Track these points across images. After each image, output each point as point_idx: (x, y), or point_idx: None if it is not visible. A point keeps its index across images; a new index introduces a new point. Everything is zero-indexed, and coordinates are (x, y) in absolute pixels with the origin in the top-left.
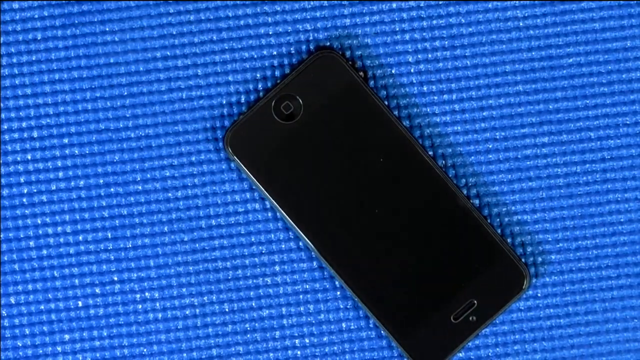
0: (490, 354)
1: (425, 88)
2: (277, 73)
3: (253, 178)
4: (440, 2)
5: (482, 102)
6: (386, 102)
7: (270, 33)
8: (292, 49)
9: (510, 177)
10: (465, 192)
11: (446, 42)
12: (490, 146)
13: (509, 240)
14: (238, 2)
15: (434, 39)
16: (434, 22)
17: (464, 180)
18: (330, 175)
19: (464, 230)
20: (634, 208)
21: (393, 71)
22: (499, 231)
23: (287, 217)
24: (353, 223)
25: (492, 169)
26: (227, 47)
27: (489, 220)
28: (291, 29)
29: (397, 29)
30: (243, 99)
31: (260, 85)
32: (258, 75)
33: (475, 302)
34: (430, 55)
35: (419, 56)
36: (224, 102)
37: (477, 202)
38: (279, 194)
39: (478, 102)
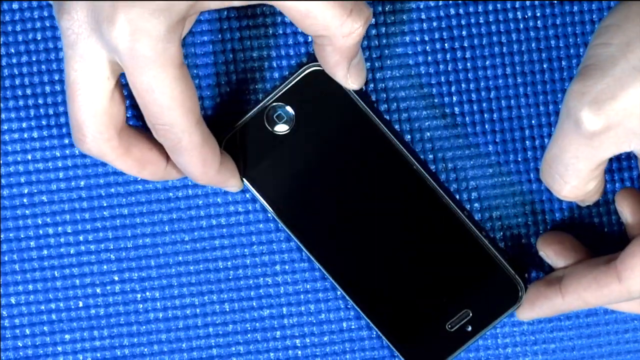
0: (490, 355)
1: (425, 90)
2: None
3: (248, 186)
4: (440, 4)
5: (482, 105)
6: (385, 105)
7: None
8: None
9: (511, 179)
10: (464, 195)
11: (446, 44)
12: (495, 148)
13: (509, 243)
14: (239, 6)
15: (433, 41)
16: (434, 24)
17: (473, 182)
18: (323, 185)
19: (459, 241)
20: None
21: (393, 74)
22: (499, 234)
23: (285, 227)
24: (347, 232)
25: (499, 171)
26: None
27: (488, 225)
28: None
29: (397, 31)
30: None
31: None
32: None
33: (470, 312)
34: (430, 58)
35: (419, 58)
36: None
37: (477, 205)
38: (273, 204)
39: (478, 105)
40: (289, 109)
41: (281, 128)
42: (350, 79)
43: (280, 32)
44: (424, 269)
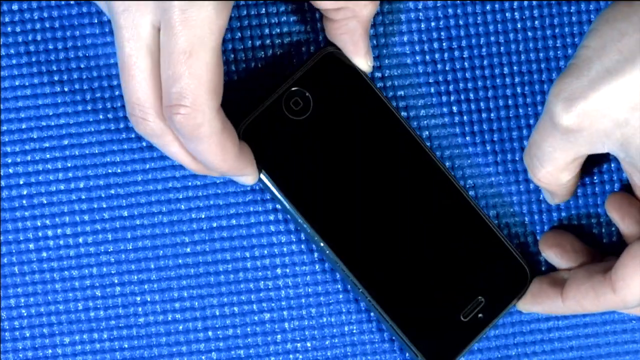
0: (489, 356)
1: (423, 89)
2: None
3: (264, 175)
4: (438, 4)
5: (479, 104)
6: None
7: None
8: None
9: (508, 178)
10: (470, 192)
11: (444, 44)
12: (492, 147)
13: (511, 240)
14: (240, 1)
15: (431, 41)
16: (432, 24)
17: (470, 181)
18: (341, 171)
19: (472, 227)
20: None
21: (391, 73)
22: (503, 231)
23: (298, 214)
24: (363, 221)
25: (496, 170)
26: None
27: (493, 220)
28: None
29: (395, 31)
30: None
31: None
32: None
33: (483, 300)
34: (428, 57)
35: (417, 58)
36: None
37: (483, 202)
38: (291, 190)
39: (475, 104)
40: (306, 93)
41: (299, 114)
42: (369, 58)
43: (283, 31)
44: (440, 259)
